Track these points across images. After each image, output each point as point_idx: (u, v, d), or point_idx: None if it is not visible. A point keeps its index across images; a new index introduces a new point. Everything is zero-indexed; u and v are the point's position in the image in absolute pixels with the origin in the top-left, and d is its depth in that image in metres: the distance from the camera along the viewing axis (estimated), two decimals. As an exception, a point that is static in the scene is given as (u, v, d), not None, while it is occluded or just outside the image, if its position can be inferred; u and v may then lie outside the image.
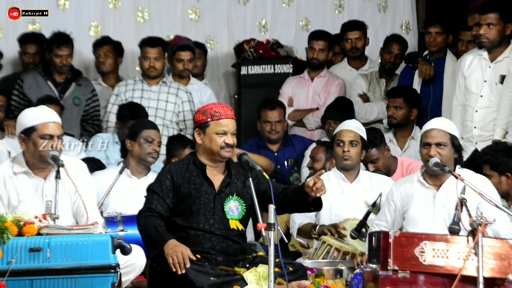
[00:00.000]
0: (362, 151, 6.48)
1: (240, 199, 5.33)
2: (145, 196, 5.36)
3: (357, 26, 8.46)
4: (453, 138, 5.72)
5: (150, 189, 5.35)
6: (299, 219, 6.41)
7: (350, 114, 7.81)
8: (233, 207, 5.31)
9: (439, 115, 7.58)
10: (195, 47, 8.33)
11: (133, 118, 7.39)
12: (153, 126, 6.90)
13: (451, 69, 7.81)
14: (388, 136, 7.61)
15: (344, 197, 6.40)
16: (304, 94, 8.38)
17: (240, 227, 5.31)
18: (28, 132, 5.32)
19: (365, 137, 6.50)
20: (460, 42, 8.00)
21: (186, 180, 5.29)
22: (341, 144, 6.44)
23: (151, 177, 6.28)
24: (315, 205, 5.30)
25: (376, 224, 5.90)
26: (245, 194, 5.33)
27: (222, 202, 5.30)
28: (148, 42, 8.02)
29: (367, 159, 6.78)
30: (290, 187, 5.46)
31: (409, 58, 8.26)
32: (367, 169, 6.76)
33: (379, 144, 6.86)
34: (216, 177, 5.36)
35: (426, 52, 8.11)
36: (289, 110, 8.28)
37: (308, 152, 7.51)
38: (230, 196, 5.32)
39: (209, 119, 5.31)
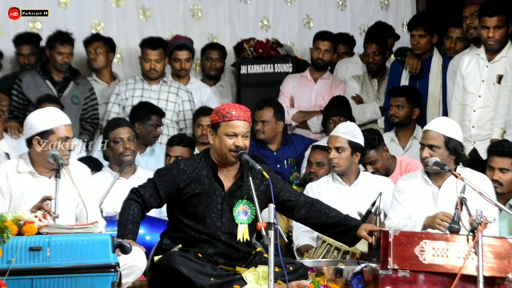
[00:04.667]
0: (354, 154, 6.37)
1: (250, 203, 5.22)
2: (148, 178, 5.33)
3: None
4: (447, 141, 5.72)
5: (155, 173, 5.32)
6: (297, 238, 6.40)
7: (350, 109, 7.81)
8: (242, 211, 5.22)
9: (425, 112, 7.60)
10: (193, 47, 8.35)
11: (152, 114, 7.46)
12: (118, 124, 6.87)
13: (437, 68, 7.81)
14: (390, 135, 7.59)
15: (341, 200, 6.31)
16: (307, 95, 8.34)
17: (247, 236, 5.22)
18: (45, 135, 5.34)
19: (356, 140, 6.37)
20: (448, 40, 7.92)
21: (194, 179, 5.20)
22: (329, 151, 6.42)
23: (140, 175, 6.51)
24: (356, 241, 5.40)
25: (392, 219, 5.84)
26: (257, 198, 5.15)
27: (232, 206, 5.21)
28: (149, 44, 8.01)
29: (365, 160, 6.75)
30: (327, 210, 5.37)
31: (399, 51, 8.25)
32: (366, 170, 6.73)
33: (377, 145, 6.82)
34: (227, 179, 5.26)
35: None
36: (293, 111, 8.25)
37: (308, 153, 7.40)
38: (240, 200, 5.23)
39: (220, 120, 5.21)
